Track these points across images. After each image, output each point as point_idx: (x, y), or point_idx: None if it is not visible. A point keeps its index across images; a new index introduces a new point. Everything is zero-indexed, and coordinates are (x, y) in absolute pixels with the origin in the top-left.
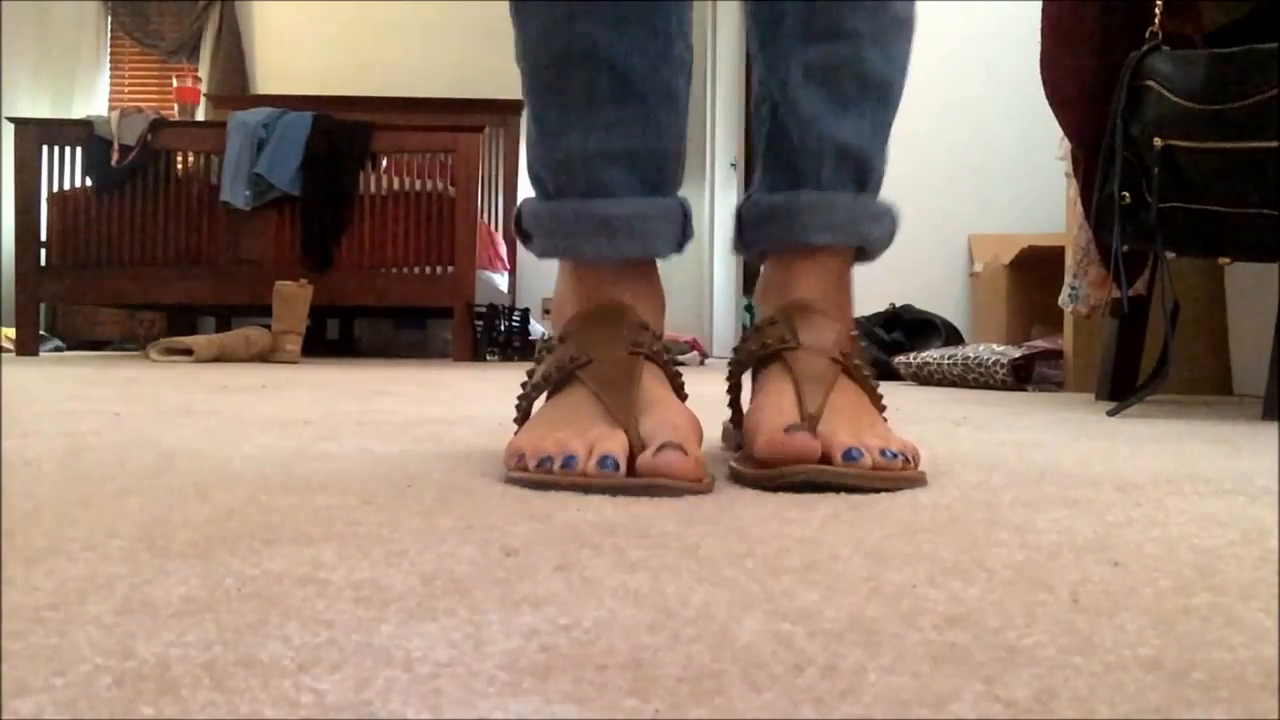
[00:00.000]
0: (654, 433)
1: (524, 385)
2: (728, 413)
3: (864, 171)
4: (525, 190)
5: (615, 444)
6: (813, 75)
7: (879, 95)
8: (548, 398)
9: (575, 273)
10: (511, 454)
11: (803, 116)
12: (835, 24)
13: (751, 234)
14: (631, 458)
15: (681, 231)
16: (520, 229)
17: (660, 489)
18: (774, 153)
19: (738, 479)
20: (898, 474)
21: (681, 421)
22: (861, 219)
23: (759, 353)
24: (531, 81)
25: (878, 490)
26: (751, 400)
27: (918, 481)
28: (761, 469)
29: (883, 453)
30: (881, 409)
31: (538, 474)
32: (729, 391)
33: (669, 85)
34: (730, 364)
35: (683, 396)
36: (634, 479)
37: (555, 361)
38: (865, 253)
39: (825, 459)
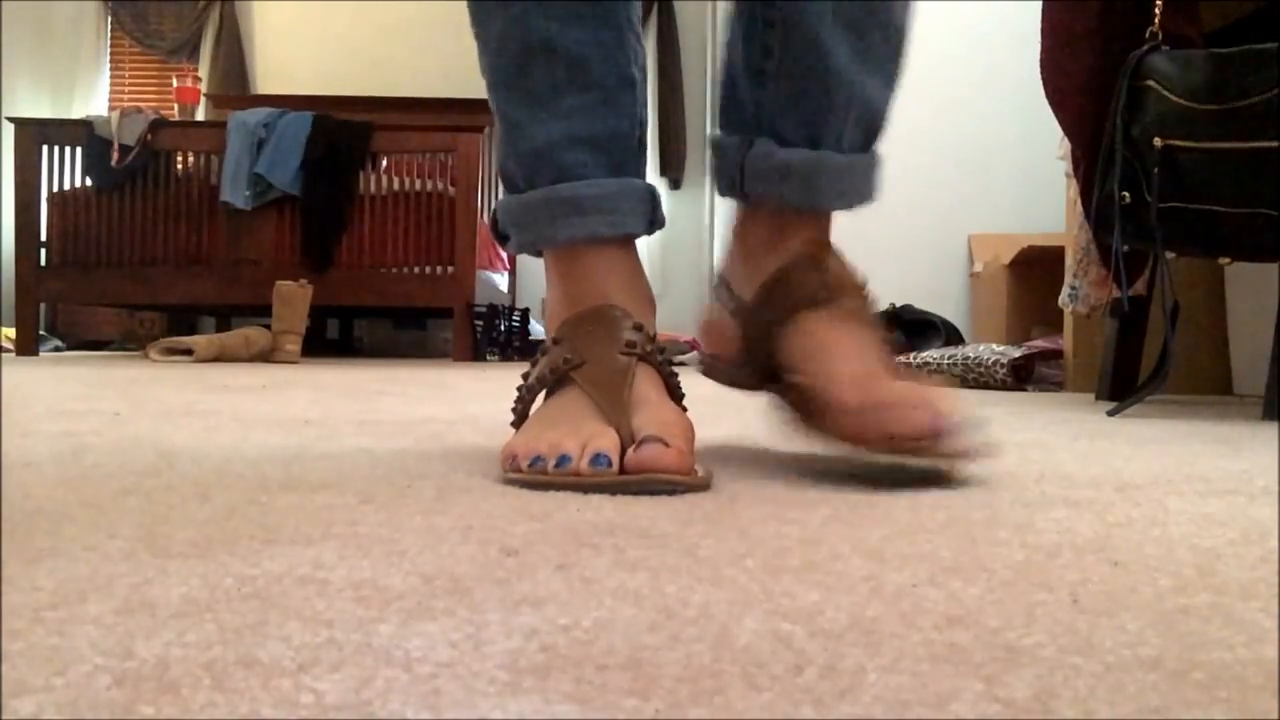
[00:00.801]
0: (640, 429)
1: (520, 389)
2: (730, 410)
3: (878, 132)
4: None
5: (607, 441)
6: (845, 21)
7: (900, 51)
8: (544, 400)
9: (558, 268)
10: (506, 456)
11: (833, 67)
12: (861, 23)
13: (758, 186)
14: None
15: (651, 212)
16: (496, 232)
17: (652, 483)
18: (790, 95)
19: (848, 438)
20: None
21: (669, 418)
22: (872, 181)
23: (806, 300)
24: (494, 80)
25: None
26: (805, 352)
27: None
28: (899, 435)
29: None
30: None
31: (531, 474)
32: (755, 355)
33: (624, 71)
34: (751, 323)
35: (679, 397)
36: (627, 476)
37: (549, 364)
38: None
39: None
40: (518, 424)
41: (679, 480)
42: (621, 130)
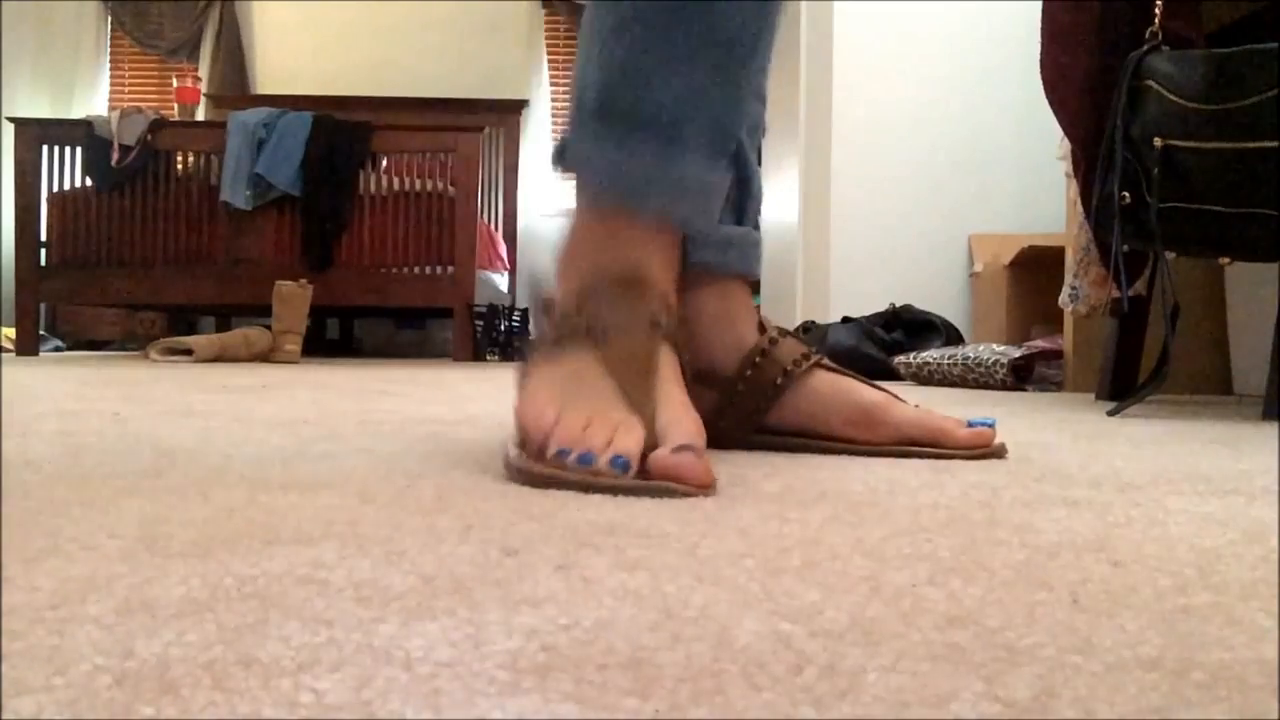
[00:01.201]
0: (667, 430)
1: (526, 345)
2: None
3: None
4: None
5: (632, 441)
6: (752, 125)
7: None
8: (550, 359)
9: (608, 225)
10: (531, 434)
11: (751, 161)
12: (762, 87)
13: (707, 255)
14: (643, 453)
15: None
16: (563, 158)
17: (670, 493)
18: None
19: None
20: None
21: (692, 423)
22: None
23: (798, 369)
24: (631, 19)
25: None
26: (833, 405)
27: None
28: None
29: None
30: None
31: (551, 467)
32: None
33: (763, 68)
34: (748, 393)
35: (687, 378)
36: (644, 481)
37: (569, 328)
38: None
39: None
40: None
41: (698, 493)
42: (736, 127)
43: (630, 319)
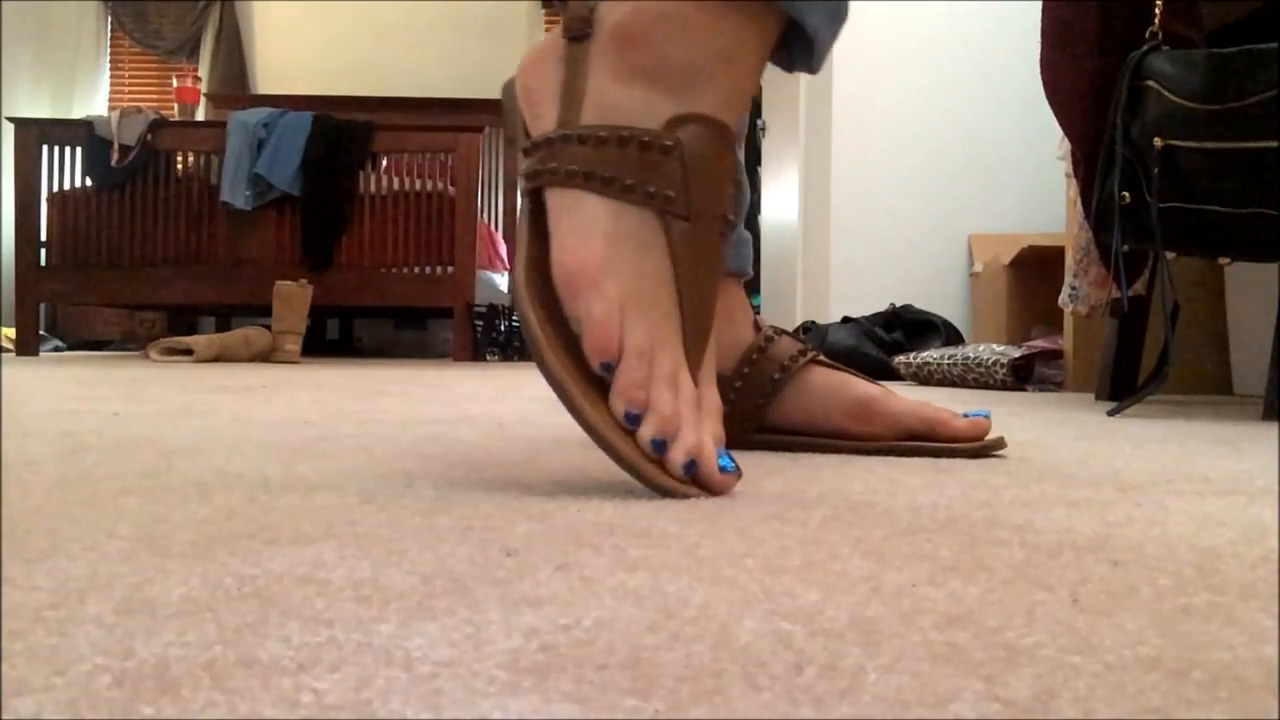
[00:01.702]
0: (709, 418)
1: (574, 146)
2: None
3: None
4: None
5: (708, 440)
6: (740, 133)
7: None
8: (607, 199)
9: (687, 17)
10: (599, 333)
11: (741, 164)
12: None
13: None
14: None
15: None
16: None
17: (695, 495)
18: None
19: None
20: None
21: (719, 411)
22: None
23: (795, 365)
24: None
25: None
26: (833, 401)
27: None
28: (957, 442)
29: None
30: None
31: (637, 454)
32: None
33: None
34: (746, 391)
35: None
36: (695, 487)
37: (658, 174)
38: None
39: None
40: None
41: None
42: None
43: (709, 204)
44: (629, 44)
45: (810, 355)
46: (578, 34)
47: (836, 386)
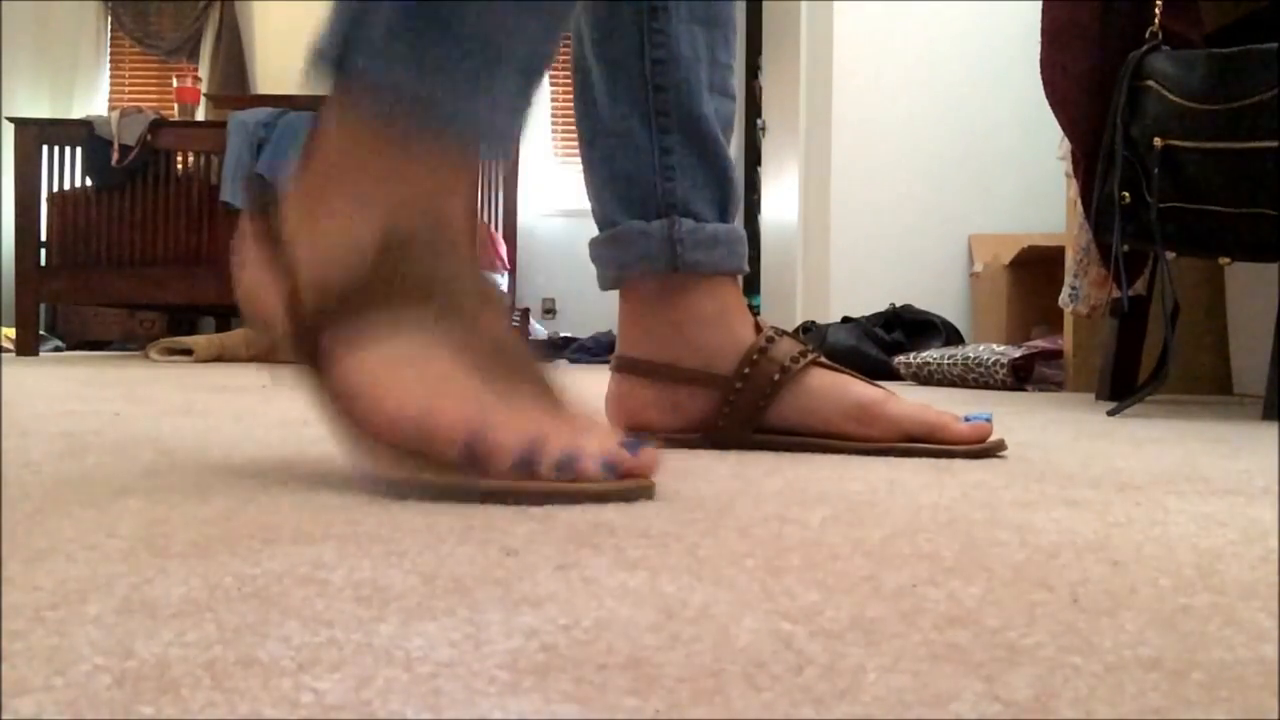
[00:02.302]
0: (591, 423)
1: (332, 293)
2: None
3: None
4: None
5: (606, 441)
6: (720, 117)
7: None
8: (387, 327)
9: (401, 149)
10: (445, 435)
11: (723, 155)
12: (726, 84)
13: (697, 255)
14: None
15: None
16: (350, 38)
17: (647, 491)
18: (697, 183)
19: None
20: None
21: (598, 418)
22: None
23: (795, 366)
24: None
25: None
26: (834, 402)
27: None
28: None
29: None
30: None
31: (552, 482)
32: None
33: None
34: (747, 392)
35: None
36: (629, 483)
37: (423, 276)
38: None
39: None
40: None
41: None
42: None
43: (477, 293)
44: (340, 180)
45: (811, 356)
46: (264, 205)
47: (837, 388)
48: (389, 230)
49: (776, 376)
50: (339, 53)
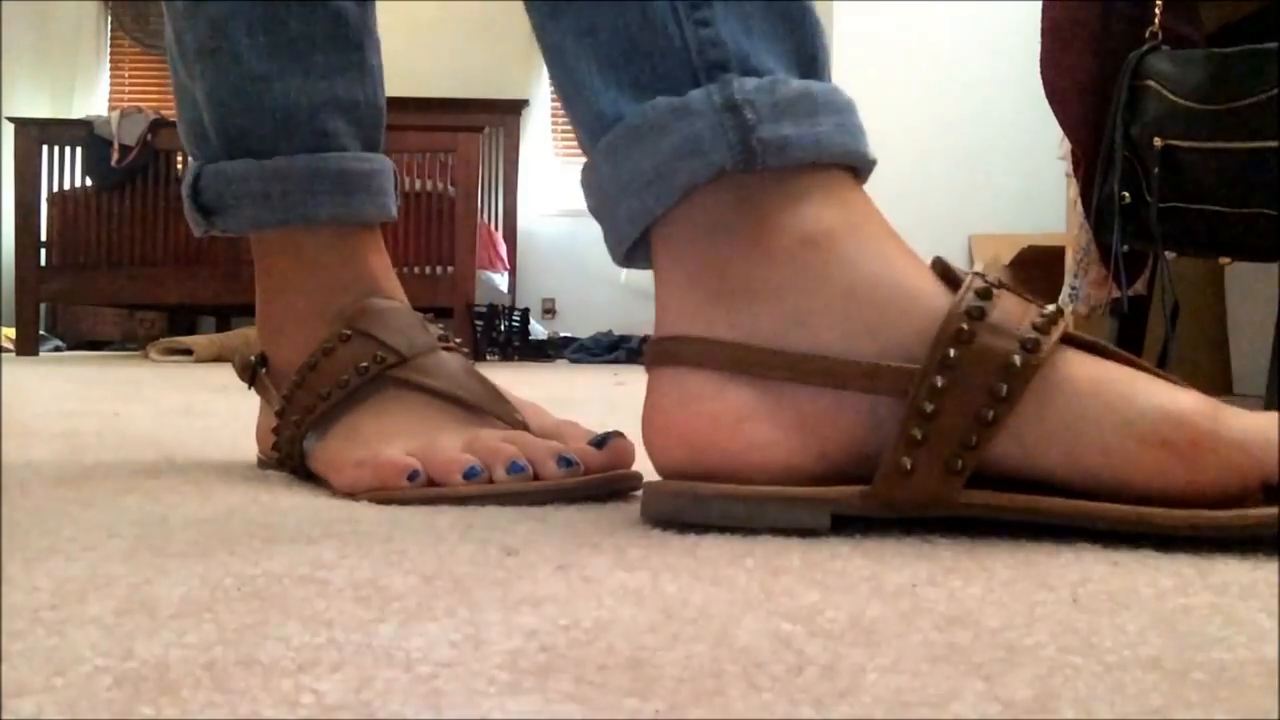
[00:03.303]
0: (560, 431)
1: (289, 410)
2: None
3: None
4: (526, 190)
5: (547, 445)
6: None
7: None
8: (338, 411)
9: (303, 254)
10: (392, 472)
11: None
12: None
13: (783, 129)
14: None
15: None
16: (198, 202)
17: (626, 482)
18: (762, 18)
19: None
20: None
21: (552, 417)
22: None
23: (1039, 352)
24: (232, 18)
25: None
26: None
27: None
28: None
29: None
30: None
31: (467, 486)
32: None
33: (374, 32)
34: (948, 400)
35: None
36: (599, 475)
37: (351, 363)
38: None
39: None
40: (288, 458)
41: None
42: (377, 100)
43: (422, 339)
44: (270, 307)
45: (1061, 326)
46: (254, 375)
47: (1117, 391)
48: (346, 321)
49: (1005, 380)
50: (203, 218)
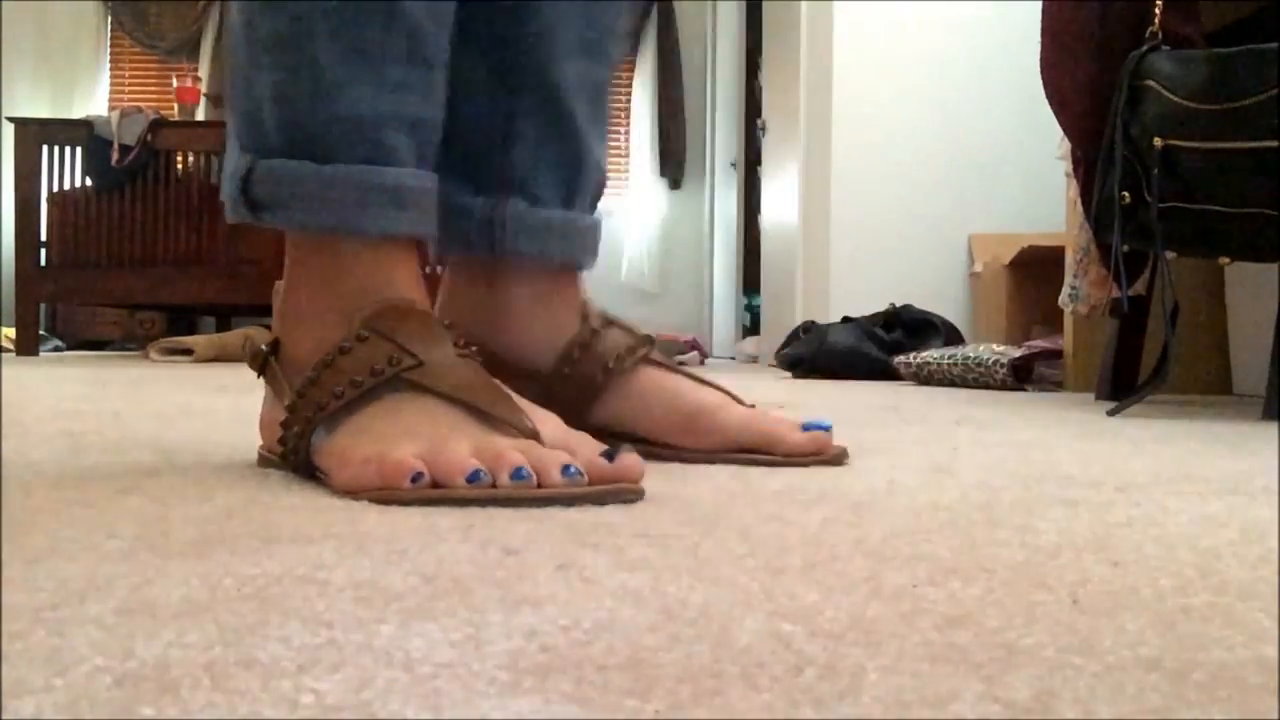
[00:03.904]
0: (568, 438)
1: (301, 406)
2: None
3: (601, 195)
4: None
5: (557, 453)
6: (587, 89)
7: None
8: (349, 409)
9: (342, 259)
10: (395, 473)
11: (579, 131)
12: (603, 44)
13: (522, 242)
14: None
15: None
16: (248, 196)
17: (630, 494)
18: (542, 159)
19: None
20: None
21: (564, 427)
22: (599, 243)
23: (619, 367)
24: (313, 19)
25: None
26: (661, 402)
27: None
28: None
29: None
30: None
31: (472, 490)
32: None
33: (447, 54)
34: (566, 391)
35: None
36: (603, 487)
37: (367, 363)
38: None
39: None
40: (291, 453)
41: (640, 490)
42: (438, 120)
43: (433, 345)
44: (297, 304)
45: (640, 353)
46: (265, 364)
47: (666, 393)
48: (363, 322)
49: (598, 378)
50: (249, 211)
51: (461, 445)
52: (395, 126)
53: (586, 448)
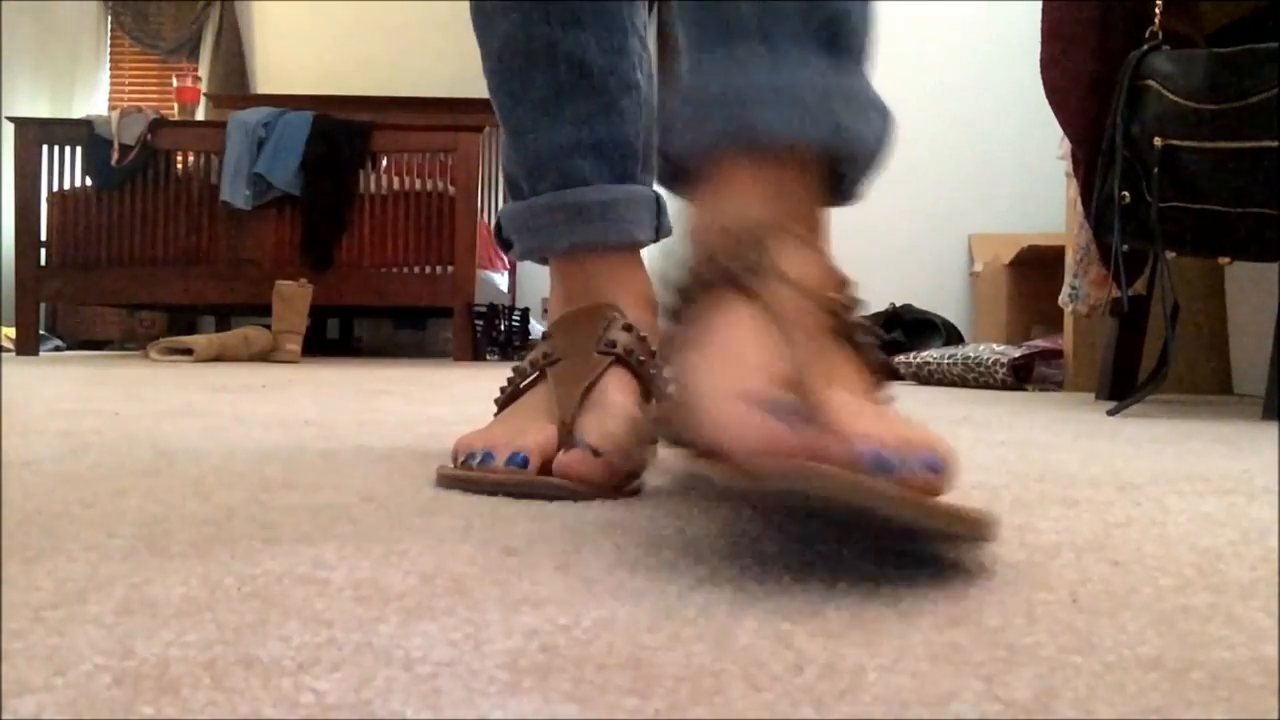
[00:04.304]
0: (580, 433)
1: (509, 380)
2: None
3: (838, 26)
4: None
5: (530, 440)
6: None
7: None
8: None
9: (561, 274)
10: (453, 451)
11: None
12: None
13: (683, 138)
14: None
15: (657, 219)
16: (500, 237)
17: (563, 490)
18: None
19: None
20: (965, 513)
21: (616, 427)
22: (836, 99)
23: (706, 276)
24: (497, 85)
25: (925, 530)
26: (682, 352)
27: (986, 530)
28: (724, 465)
29: (927, 464)
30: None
31: (460, 471)
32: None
33: (628, 76)
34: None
35: (661, 398)
36: (535, 478)
37: (531, 357)
38: (842, 168)
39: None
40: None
41: (589, 491)
42: (625, 136)
43: (582, 343)
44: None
45: (734, 273)
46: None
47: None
48: (551, 325)
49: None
50: (505, 249)
51: (498, 431)
52: (580, 154)
53: (591, 439)
